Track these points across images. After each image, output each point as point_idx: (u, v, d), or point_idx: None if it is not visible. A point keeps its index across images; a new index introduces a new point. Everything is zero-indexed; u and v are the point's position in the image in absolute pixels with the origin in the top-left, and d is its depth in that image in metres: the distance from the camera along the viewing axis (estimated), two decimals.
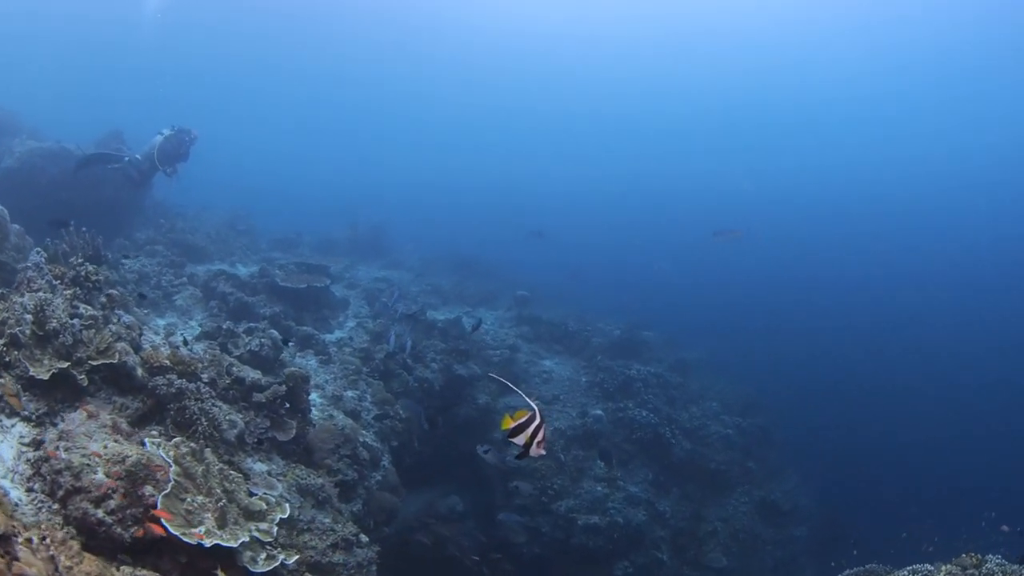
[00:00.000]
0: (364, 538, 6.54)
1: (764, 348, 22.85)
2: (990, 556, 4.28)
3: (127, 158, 11.15)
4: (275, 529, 4.57)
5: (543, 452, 3.92)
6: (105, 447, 4.40)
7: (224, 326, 8.88)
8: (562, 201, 46.11)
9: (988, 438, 19.26)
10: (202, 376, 6.50)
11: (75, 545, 3.42)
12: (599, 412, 12.93)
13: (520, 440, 3.86)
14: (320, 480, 6.84)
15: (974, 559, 4.25)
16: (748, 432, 14.29)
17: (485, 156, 58.49)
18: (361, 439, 8.46)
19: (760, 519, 12.91)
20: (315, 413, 8.32)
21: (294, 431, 6.92)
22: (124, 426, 4.86)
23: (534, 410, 3.87)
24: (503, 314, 15.91)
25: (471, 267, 19.45)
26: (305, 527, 6.16)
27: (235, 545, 4.05)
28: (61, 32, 41.10)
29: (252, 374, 7.09)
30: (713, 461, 13.28)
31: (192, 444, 4.79)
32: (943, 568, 4.26)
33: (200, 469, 4.56)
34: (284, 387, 6.98)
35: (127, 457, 4.22)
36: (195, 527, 4.03)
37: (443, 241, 22.43)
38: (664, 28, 40.93)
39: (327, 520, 6.42)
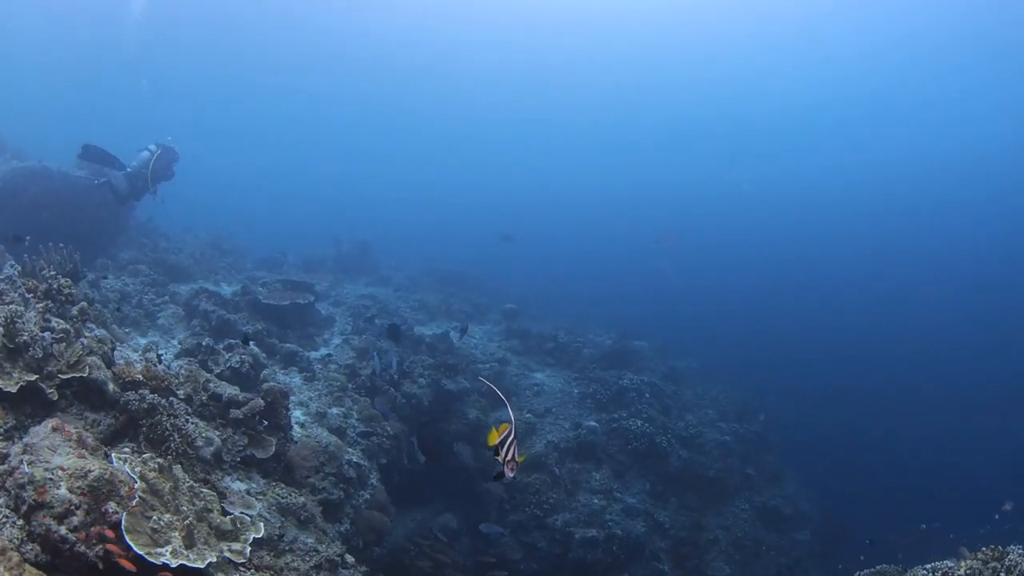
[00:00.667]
0: (350, 559, 6.25)
1: (759, 352, 22.71)
2: (1012, 547, 4.11)
3: (128, 169, 10.90)
4: (248, 549, 4.29)
5: (511, 474, 3.56)
6: (72, 461, 4.16)
7: (204, 343, 8.62)
8: (550, 212, 46.18)
9: (988, 438, 19.13)
10: (177, 392, 6.26)
11: (15, 556, 3.17)
12: (593, 424, 12.67)
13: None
14: (302, 499, 6.56)
15: (995, 552, 4.07)
16: (745, 438, 14.08)
17: (472, 171, 58.56)
18: (347, 457, 8.19)
19: (762, 525, 12.65)
20: (299, 431, 8.06)
21: (273, 448, 6.65)
22: (90, 440, 4.60)
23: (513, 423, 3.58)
24: (491, 328, 15.68)
25: (458, 282, 19.27)
26: (287, 548, 5.87)
27: (202, 566, 3.77)
28: (44, 51, 41.07)
29: (230, 390, 6.81)
30: (711, 469, 13.02)
31: (160, 460, 4.52)
32: (963, 564, 4.05)
33: (168, 486, 4.29)
34: (262, 403, 6.72)
35: (89, 472, 3.97)
36: (161, 546, 3.76)
37: (429, 257, 22.30)
38: (655, 32, 41.01)
39: (310, 540, 6.13)
